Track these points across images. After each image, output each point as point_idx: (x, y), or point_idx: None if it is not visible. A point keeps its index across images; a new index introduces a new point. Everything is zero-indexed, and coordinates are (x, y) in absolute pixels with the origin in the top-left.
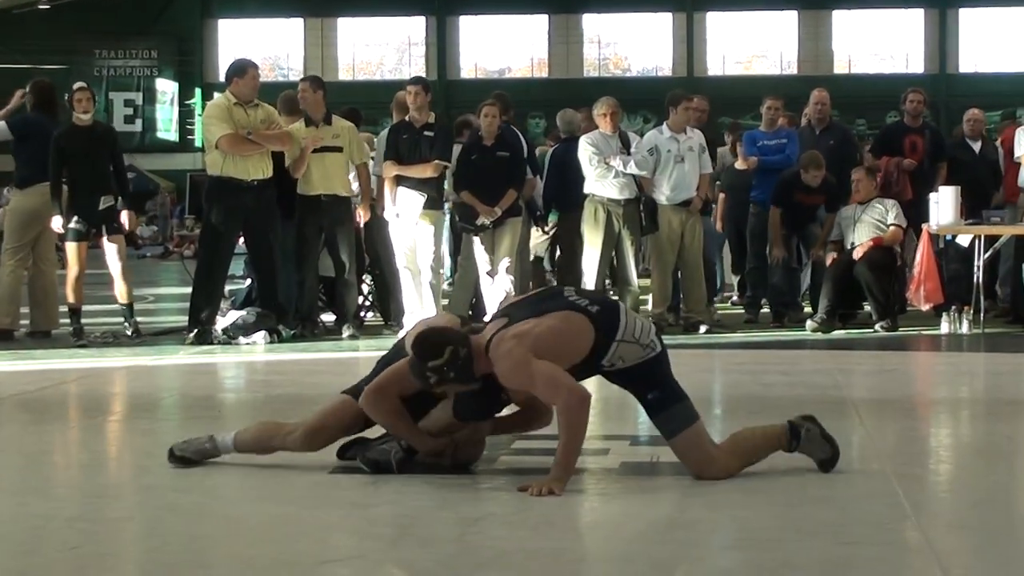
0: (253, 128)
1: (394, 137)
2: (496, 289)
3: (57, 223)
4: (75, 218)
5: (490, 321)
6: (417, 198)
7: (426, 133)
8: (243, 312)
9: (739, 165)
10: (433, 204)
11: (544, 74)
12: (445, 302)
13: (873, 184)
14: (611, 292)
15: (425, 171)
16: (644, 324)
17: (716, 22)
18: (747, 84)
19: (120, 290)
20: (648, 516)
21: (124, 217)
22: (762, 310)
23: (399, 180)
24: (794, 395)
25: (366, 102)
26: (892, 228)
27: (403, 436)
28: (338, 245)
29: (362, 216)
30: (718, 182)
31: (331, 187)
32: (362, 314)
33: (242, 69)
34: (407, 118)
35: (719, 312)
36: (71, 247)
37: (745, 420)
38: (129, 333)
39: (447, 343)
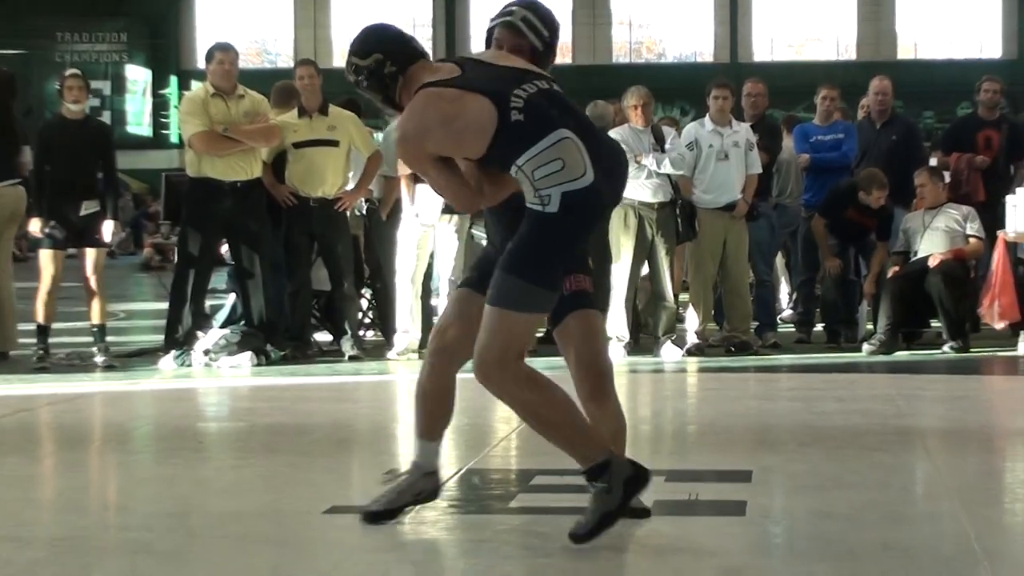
0: (233, 122)
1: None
2: None
3: (35, 226)
4: (52, 223)
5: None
6: (439, 197)
7: None
8: (226, 331)
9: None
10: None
11: (568, 60)
12: None
13: (940, 187)
14: (643, 308)
15: None
16: (572, 165)
17: (763, 0)
18: (799, 71)
19: (95, 308)
20: (687, 566)
21: (107, 227)
22: (815, 328)
23: (417, 177)
24: (851, 424)
25: None
26: (973, 241)
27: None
28: (334, 254)
29: (348, 203)
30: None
31: (323, 187)
32: (361, 332)
33: (209, 54)
34: None
35: (774, 338)
36: (45, 255)
37: (796, 452)
38: (98, 360)
39: (380, 51)
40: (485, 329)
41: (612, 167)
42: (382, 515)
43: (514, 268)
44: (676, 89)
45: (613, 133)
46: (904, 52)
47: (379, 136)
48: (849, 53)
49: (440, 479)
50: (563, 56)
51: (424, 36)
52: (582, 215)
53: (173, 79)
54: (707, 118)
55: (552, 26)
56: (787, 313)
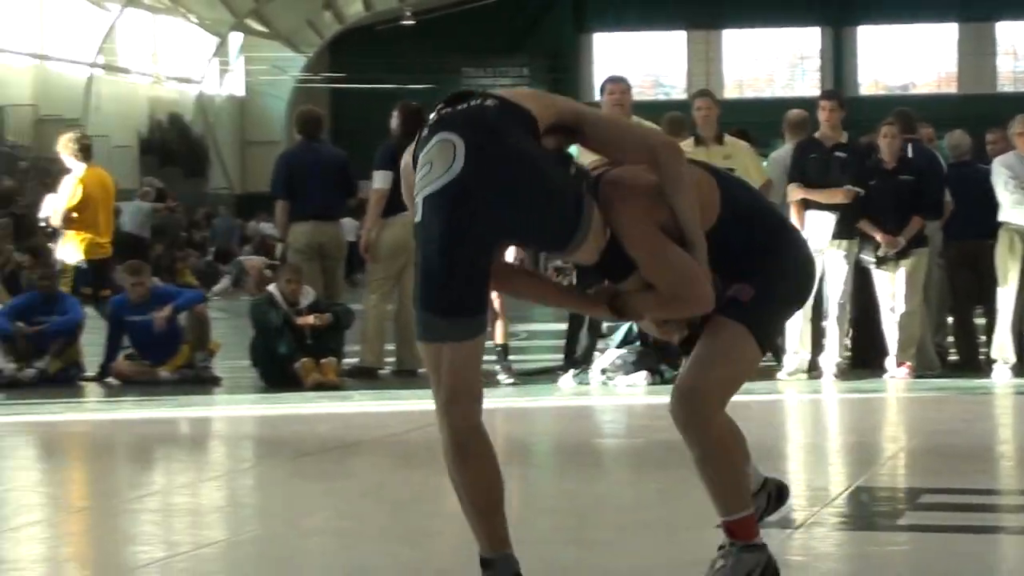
0: None
1: (801, 156)
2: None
3: None
4: None
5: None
6: (828, 222)
7: (837, 154)
8: (622, 351)
9: None
10: (847, 232)
11: (952, 89)
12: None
13: None
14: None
15: (835, 196)
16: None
17: None
18: None
19: (499, 330)
20: None
21: (509, 254)
22: None
23: (806, 204)
24: None
25: (755, 122)
26: None
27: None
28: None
29: None
30: None
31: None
32: None
33: (603, 86)
34: (816, 135)
35: None
36: None
37: None
38: (500, 377)
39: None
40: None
41: None
42: None
43: None
44: None
45: (1000, 160)
46: None
47: (771, 159)
48: None
49: None
50: (948, 86)
51: (812, 68)
52: None
53: None
54: None
55: None
56: None
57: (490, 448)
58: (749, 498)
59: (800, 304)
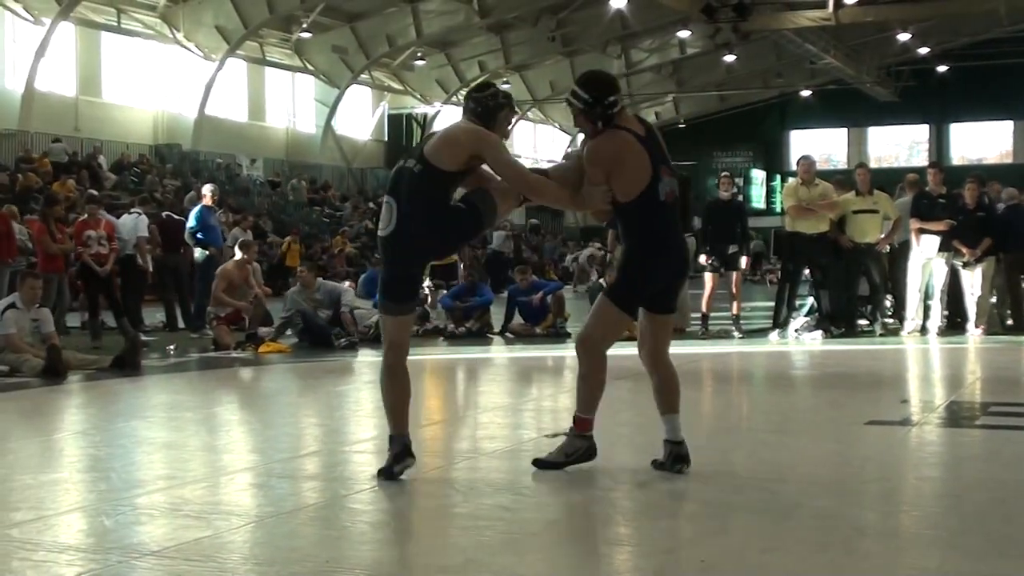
0: (811, 200)
1: (917, 202)
2: (974, 303)
3: (702, 258)
4: (712, 258)
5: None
6: (935, 242)
7: (940, 200)
8: (807, 318)
9: None
10: (945, 247)
11: (1009, 160)
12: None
13: None
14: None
15: (939, 226)
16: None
17: None
18: None
19: (735, 305)
20: None
21: (742, 260)
22: None
23: (921, 231)
24: None
25: (886, 181)
26: None
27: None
28: (872, 274)
29: (884, 245)
30: None
31: (866, 238)
32: (885, 319)
33: (797, 161)
34: (927, 189)
35: None
36: (708, 276)
37: None
38: (735, 334)
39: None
40: None
41: None
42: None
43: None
44: None
45: None
46: None
47: (898, 204)
48: None
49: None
50: (1006, 158)
51: (922, 149)
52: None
53: (777, 176)
54: None
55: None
56: None
57: (407, 376)
58: (593, 407)
59: (652, 279)
